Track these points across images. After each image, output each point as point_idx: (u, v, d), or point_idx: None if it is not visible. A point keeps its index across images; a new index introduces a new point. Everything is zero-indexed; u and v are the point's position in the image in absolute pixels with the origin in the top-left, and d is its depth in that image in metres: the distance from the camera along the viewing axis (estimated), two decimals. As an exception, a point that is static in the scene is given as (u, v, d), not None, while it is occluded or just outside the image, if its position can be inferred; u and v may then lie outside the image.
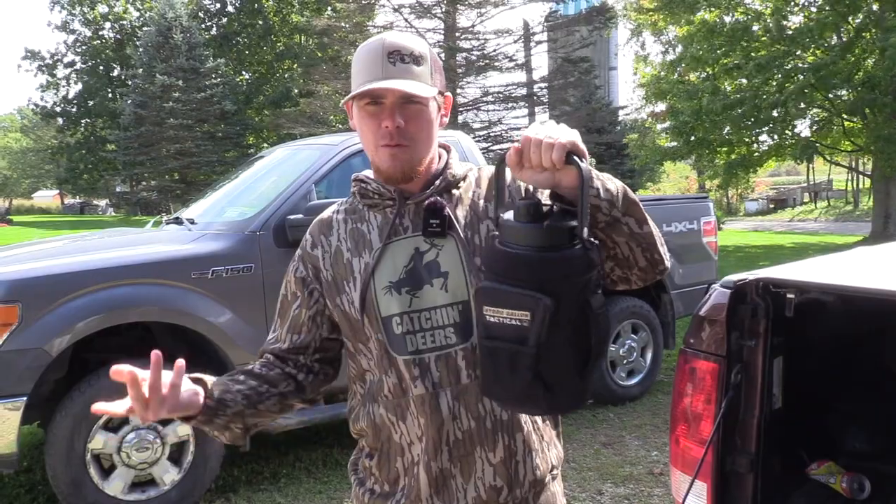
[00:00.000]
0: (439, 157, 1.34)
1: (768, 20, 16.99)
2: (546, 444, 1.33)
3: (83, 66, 39.83)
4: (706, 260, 5.66)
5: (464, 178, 1.34)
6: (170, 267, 3.47)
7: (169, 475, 3.40)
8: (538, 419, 1.32)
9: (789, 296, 1.56)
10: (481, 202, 1.31)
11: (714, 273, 5.70)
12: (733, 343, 1.48)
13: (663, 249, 1.22)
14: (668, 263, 1.23)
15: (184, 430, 3.42)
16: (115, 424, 3.32)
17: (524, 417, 1.28)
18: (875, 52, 14.74)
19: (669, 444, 1.67)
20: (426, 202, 1.26)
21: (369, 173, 1.34)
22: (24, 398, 3.08)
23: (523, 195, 1.26)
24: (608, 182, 1.14)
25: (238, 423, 1.28)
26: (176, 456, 3.45)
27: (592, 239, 1.05)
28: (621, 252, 1.18)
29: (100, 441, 3.27)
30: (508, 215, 1.08)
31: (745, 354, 1.49)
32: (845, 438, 2.08)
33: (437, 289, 1.24)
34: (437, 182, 1.30)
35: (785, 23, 17.77)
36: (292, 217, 3.65)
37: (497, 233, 1.09)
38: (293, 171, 4.09)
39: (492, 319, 1.05)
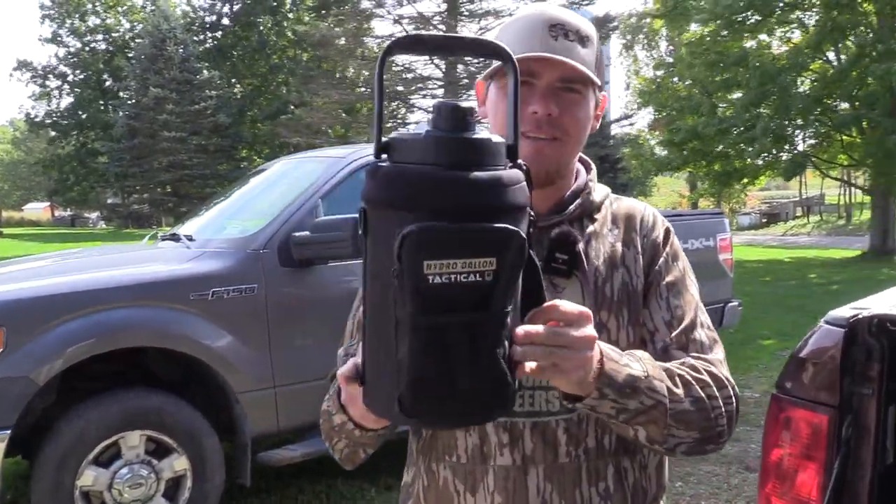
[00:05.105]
0: (577, 174, 1.10)
1: (754, 59, 16.84)
2: None
3: (74, 78, 39.58)
4: (722, 278, 5.45)
5: (599, 208, 1.10)
6: (166, 288, 3.24)
7: (164, 513, 3.15)
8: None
9: None
10: (619, 245, 1.06)
11: (730, 291, 5.49)
12: (844, 390, 1.26)
13: (706, 447, 1.01)
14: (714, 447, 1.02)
15: (180, 465, 3.17)
16: (105, 459, 3.07)
17: None
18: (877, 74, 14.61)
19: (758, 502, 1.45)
20: (555, 231, 1.02)
21: None
22: (8, 431, 2.84)
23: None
24: (629, 399, 0.89)
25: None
26: (171, 492, 3.19)
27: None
28: None
29: (90, 477, 3.01)
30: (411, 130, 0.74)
31: (856, 403, 1.27)
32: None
33: None
34: (573, 207, 1.06)
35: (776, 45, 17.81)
36: (298, 234, 3.41)
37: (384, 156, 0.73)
38: (298, 185, 3.86)
39: (438, 280, 0.67)
